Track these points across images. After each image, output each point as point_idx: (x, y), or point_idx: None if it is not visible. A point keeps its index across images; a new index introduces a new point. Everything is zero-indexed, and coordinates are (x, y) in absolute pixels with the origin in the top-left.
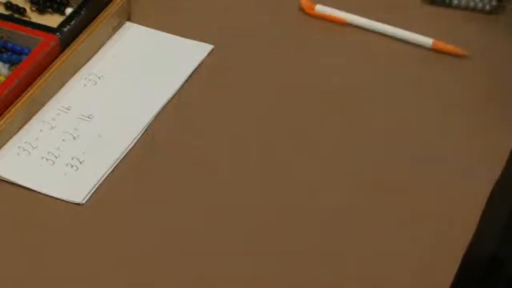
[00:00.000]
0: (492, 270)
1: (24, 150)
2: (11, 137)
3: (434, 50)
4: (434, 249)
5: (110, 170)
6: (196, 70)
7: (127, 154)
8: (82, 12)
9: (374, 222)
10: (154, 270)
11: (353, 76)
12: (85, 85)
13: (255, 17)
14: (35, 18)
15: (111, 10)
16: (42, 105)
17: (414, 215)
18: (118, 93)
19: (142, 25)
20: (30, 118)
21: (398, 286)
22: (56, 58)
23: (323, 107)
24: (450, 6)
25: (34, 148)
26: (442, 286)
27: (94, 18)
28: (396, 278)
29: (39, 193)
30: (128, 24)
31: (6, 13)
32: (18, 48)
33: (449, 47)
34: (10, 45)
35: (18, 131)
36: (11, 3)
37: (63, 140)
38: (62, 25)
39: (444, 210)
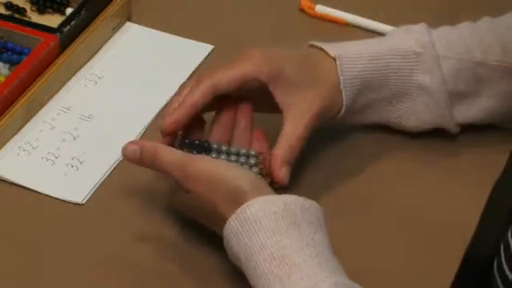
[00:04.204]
0: (492, 269)
1: (24, 150)
2: (11, 137)
3: None
4: (434, 249)
5: (110, 170)
6: (196, 70)
7: None
8: (82, 12)
9: (373, 222)
10: (154, 269)
11: None
12: (85, 85)
13: (255, 17)
14: (35, 17)
15: (111, 10)
16: (42, 105)
17: (413, 215)
18: (118, 93)
19: (141, 25)
20: (30, 118)
21: (398, 285)
22: (56, 58)
23: None
24: None
25: (34, 148)
26: (442, 286)
27: (94, 18)
28: (396, 278)
29: (39, 193)
30: (128, 24)
31: (6, 13)
32: (18, 48)
33: None
34: (10, 45)
35: (18, 131)
36: (11, 3)
37: (63, 140)
38: (62, 25)
39: (444, 210)
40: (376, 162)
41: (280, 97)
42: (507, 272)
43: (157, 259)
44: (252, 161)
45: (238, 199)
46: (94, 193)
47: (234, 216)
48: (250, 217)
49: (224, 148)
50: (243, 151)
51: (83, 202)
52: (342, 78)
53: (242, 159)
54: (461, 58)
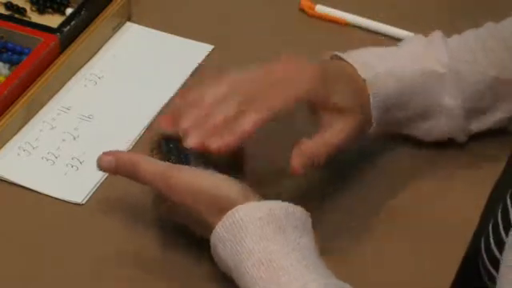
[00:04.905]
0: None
1: (24, 150)
2: (11, 137)
3: None
4: (434, 249)
5: None
6: (196, 70)
7: None
8: (82, 12)
9: (373, 222)
10: (154, 269)
11: None
12: (85, 85)
13: (255, 17)
14: (35, 17)
15: (111, 10)
16: (42, 105)
17: (413, 215)
18: (118, 93)
19: (141, 25)
20: (30, 118)
21: (398, 285)
22: (56, 58)
23: None
24: None
25: (34, 148)
26: (442, 285)
27: (94, 18)
28: (396, 278)
29: (39, 193)
30: (128, 24)
31: (6, 13)
32: (18, 48)
33: None
34: (10, 45)
35: (18, 131)
36: (11, 3)
37: (63, 140)
38: (62, 25)
39: (444, 210)
40: (376, 162)
41: (324, 115)
42: (496, 253)
43: (156, 258)
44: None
45: (227, 208)
46: (94, 193)
47: (220, 223)
48: (235, 223)
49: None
50: None
51: (83, 202)
52: (372, 99)
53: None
54: (479, 78)
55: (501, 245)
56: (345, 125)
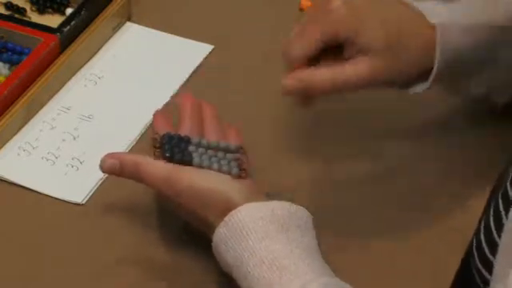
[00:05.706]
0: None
1: (24, 150)
2: (11, 137)
3: None
4: (434, 249)
5: None
6: (196, 69)
7: None
8: (82, 12)
9: (373, 222)
10: (154, 268)
11: None
12: (85, 85)
13: (255, 17)
14: (35, 18)
15: (111, 10)
16: (42, 105)
17: (413, 215)
18: (118, 93)
19: (141, 25)
20: (30, 118)
21: (398, 285)
22: (56, 58)
23: (323, 107)
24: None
25: (34, 148)
26: (442, 286)
27: (94, 18)
28: (396, 278)
29: (39, 193)
30: (128, 24)
31: (6, 13)
32: (18, 48)
33: None
34: (10, 45)
35: (18, 131)
36: (11, 3)
37: (63, 140)
38: (62, 25)
39: (444, 209)
40: (376, 162)
41: (348, 52)
42: (488, 254)
43: (158, 258)
44: (230, 156)
45: (229, 209)
46: (93, 193)
47: (222, 223)
48: (237, 223)
49: (204, 142)
50: (223, 145)
51: (83, 202)
52: (439, 50)
53: (220, 154)
54: None
55: (492, 245)
56: (369, 67)
